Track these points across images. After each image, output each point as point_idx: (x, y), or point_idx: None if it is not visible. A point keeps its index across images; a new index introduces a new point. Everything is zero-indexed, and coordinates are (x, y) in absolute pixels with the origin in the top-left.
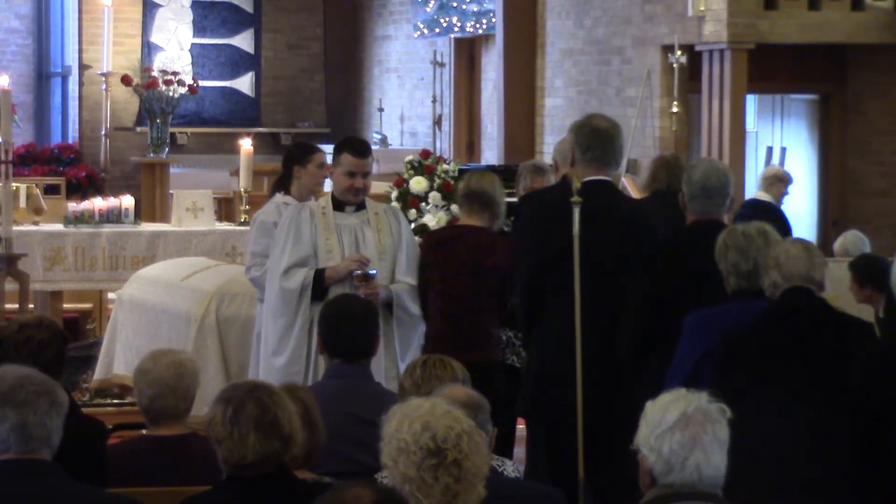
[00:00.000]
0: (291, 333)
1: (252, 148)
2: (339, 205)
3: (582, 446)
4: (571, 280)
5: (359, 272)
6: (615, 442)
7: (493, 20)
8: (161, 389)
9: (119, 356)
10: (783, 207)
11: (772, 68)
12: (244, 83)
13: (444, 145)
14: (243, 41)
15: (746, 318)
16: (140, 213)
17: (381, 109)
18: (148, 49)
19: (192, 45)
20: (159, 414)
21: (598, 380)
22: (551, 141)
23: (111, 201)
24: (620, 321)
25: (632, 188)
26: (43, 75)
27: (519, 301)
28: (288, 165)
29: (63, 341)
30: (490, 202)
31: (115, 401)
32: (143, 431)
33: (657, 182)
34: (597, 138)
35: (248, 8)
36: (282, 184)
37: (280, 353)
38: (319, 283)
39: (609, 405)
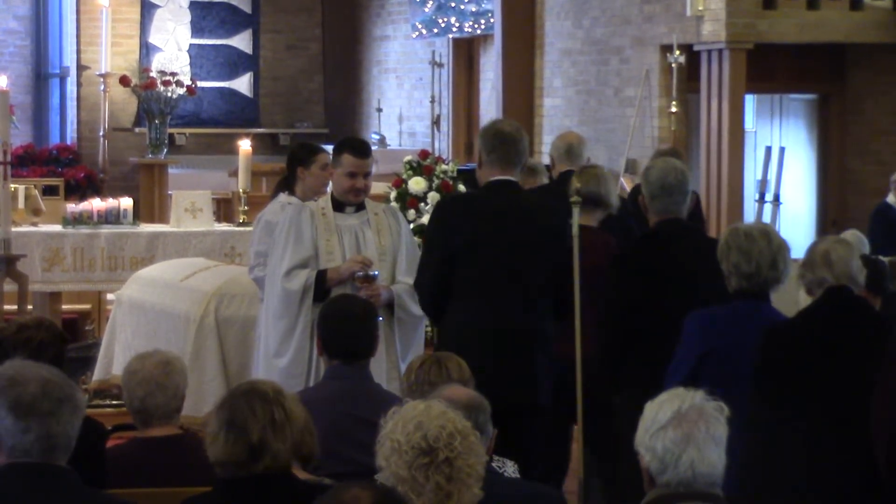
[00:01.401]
0: (293, 335)
1: (251, 148)
2: (338, 205)
3: (582, 446)
4: (475, 274)
5: (360, 273)
6: (523, 430)
7: (492, 20)
8: (151, 388)
9: (118, 357)
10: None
11: (770, 68)
12: (242, 84)
13: (443, 146)
14: (242, 42)
15: (751, 319)
16: (139, 214)
17: (379, 110)
18: (146, 50)
19: (191, 45)
20: (151, 414)
21: (505, 369)
22: (550, 141)
23: (110, 202)
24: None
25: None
26: (41, 76)
27: (423, 294)
28: (291, 166)
29: (62, 342)
30: (599, 201)
31: (114, 402)
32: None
33: None
34: (501, 141)
35: (247, 8)
36: (286, 184)
37: (282, 355)
38: (321, 285)
39: (515, 390)
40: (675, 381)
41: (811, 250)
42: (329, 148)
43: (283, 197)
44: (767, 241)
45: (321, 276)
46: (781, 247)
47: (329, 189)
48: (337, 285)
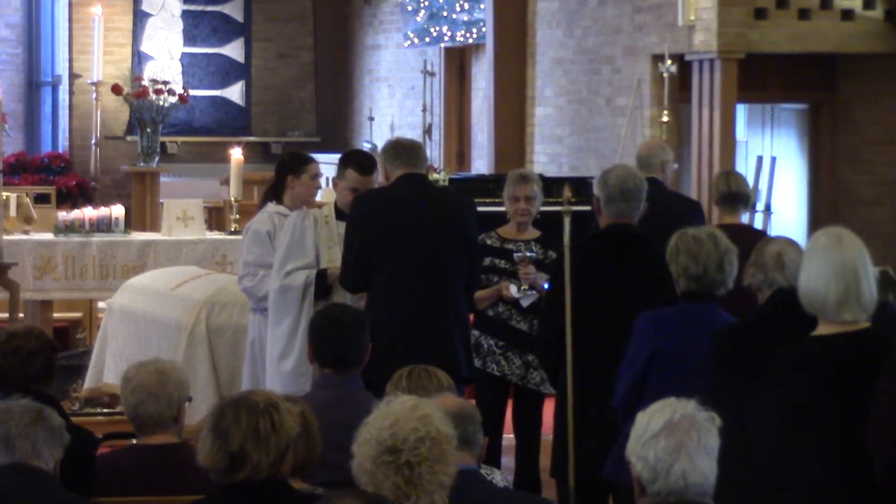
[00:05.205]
0: (297, 335)
1: (242, 157)
2: (341, 214)
3: (572, 453)
4: (392, 261)
5: None
6: None
7: (484, 29)
8: (143, 397)
9: (109, 365)
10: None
11: (762, 78)
12: (234, 92)
13: (435, 154)
14: (233, 50)
15: (698, 320)
16: (130, 223)
17: (371, 118)
18: (138, 58)
19: (183, 54)
20: (145, 422)
21: (426, 350)
22: (541, 150)
23: (101, 210)
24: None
25: None
26: (33, 84)
27: (350, 288)
28: (281, 175)
29: (52, 350)
30: (748, 200)
31: (105, 410)
32: (133, 441)
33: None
34: (402, 147)
35: (239, 17)
36: (274, 193)
37: (287, 356)
38: (322, 283)
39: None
40: (626, 379)
41: (761, 251)
42: (320, 157)
43: (271, 206)
44: (714, 244)
45: (321, 274)
46: (728, 250)
47: (320, 198)
48: (336, 281)
